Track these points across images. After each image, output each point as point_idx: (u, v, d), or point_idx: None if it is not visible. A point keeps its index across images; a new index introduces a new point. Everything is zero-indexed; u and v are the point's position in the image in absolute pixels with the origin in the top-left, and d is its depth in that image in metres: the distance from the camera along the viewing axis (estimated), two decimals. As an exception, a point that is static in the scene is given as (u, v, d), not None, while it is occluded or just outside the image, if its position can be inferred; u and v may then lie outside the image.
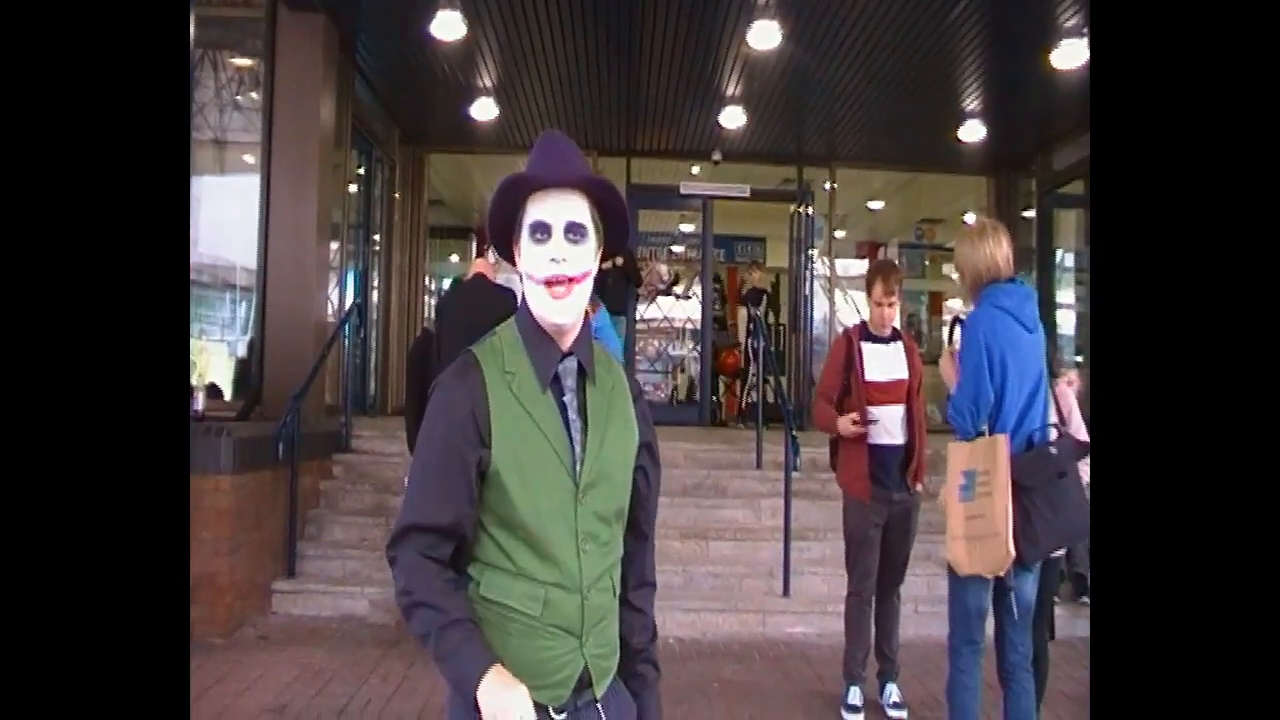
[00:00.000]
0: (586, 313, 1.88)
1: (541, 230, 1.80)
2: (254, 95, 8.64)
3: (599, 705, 1.87)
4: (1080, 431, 4.36)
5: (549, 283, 1.79)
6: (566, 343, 1.86)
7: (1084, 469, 4.16)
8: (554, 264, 1.79)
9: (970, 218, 13.29)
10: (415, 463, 1.83)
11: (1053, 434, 3.73)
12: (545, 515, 1.77)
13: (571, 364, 1.87)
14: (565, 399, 1.85)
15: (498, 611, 1.78)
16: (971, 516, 3.65)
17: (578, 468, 1.81)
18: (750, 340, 11.54)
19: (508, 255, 1.91)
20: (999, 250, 3.85)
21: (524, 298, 1.87)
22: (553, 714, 1.80)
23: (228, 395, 8.45)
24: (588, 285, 1.85)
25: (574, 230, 1.81)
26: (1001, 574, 3.63)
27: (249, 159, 8.53)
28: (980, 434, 3.72)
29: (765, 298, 12.70)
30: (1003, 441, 3.62)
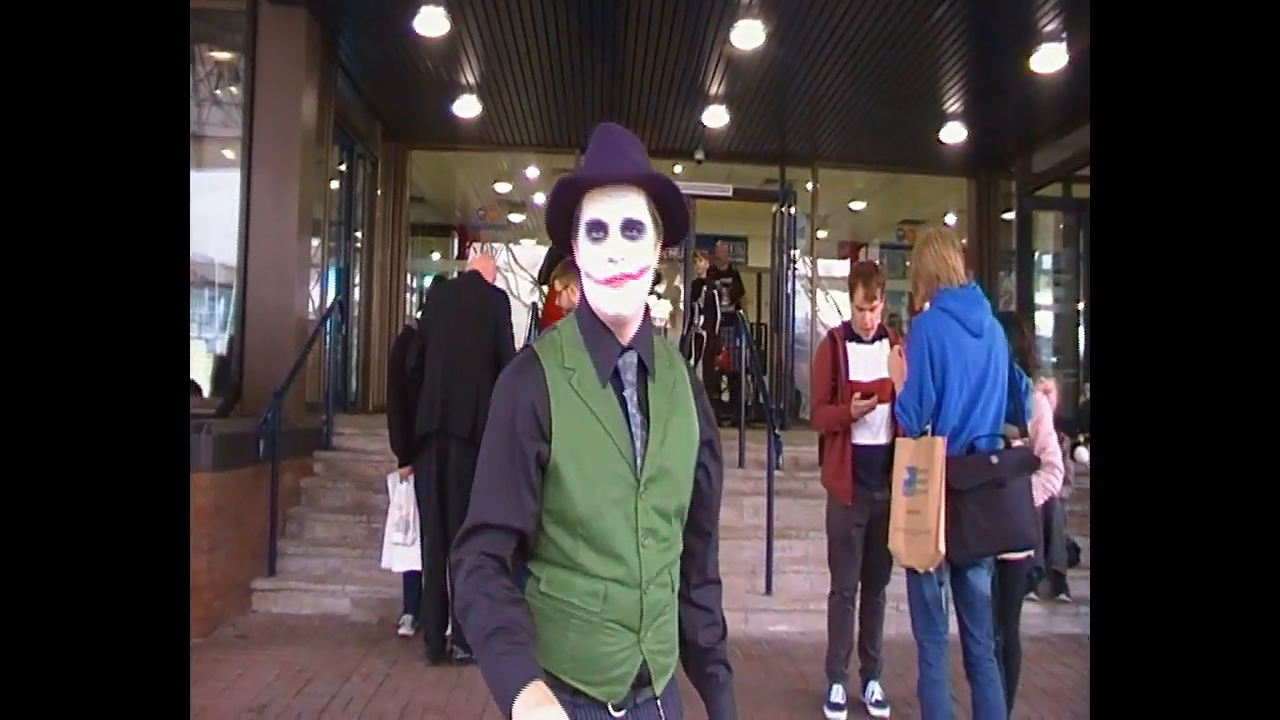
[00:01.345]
0: (648, 308, 1.87)
1: (598, 229, 1.78)
2: (233, 90, 8.57)
3: (658, 703, 1.85)
4: (1049, 440, 4.40)
5: (608, 282, 1.78)
6: (626, 337, 1.84)
7: (1049, 479, 4.23)
8: (611, 264, 1.77)
9: (951, 219, 13.38)
10: (481, 461, 1.81)
11: (999, 444, 3.81)
12: (605, 510, 1.76)
13: (632, 359, 1.85)
14: (626, 394, 1.83)
15: (557, 607, 1.77)
16: (911, 511, 3.85)
17: (639, 463, 1.79)
18: (696, 327, 11.27)
19: (568, 249, 1.89)
20: (949, 255, 3.97)
21: (584, 293, 1.85)
22: (612, 711, 1.79)
23: (206, 392, 8.39)
24: (647, 280, 1.83)
25: (631, 227, 1.78)
26: (932, 569, 3.80)
27: (229, 154, 8.47)
28: (924, 433, 3.86)
29: (723, 289, 11.63)
30: (939, 444, 3.78)
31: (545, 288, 11.10)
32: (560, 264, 6.99)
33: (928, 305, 4.03)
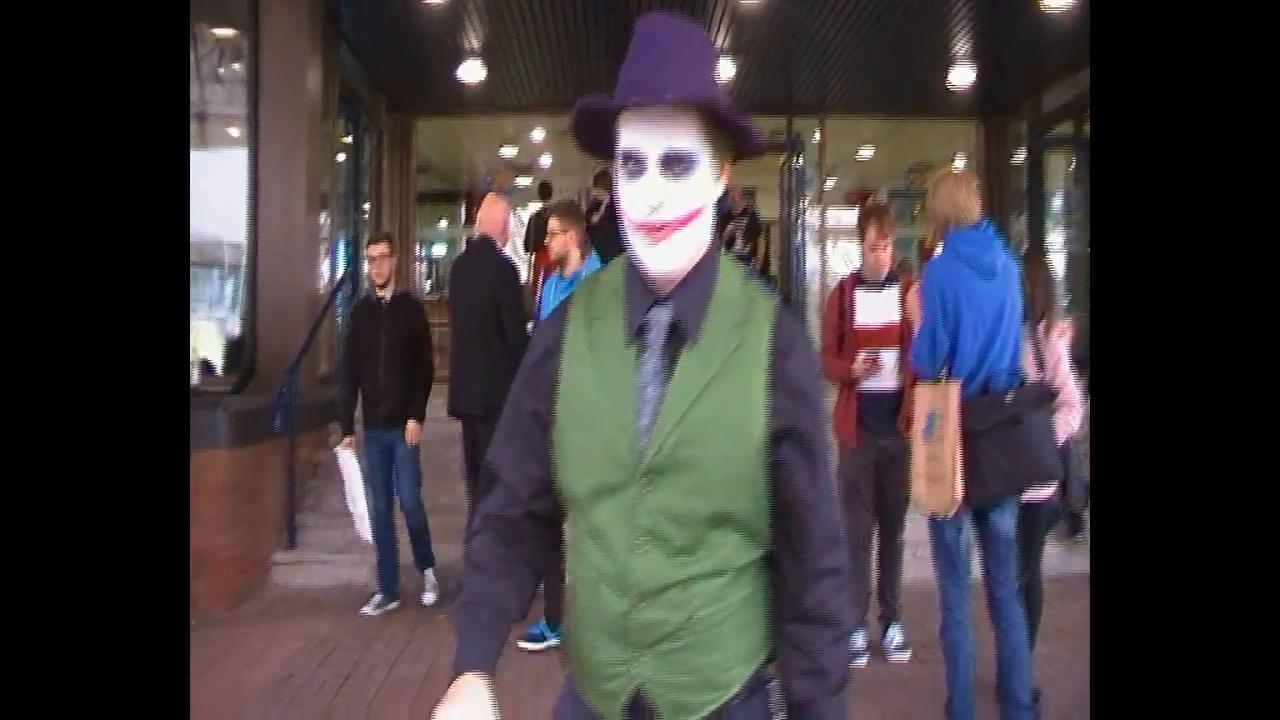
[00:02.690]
0: (711, 247, 1.53)
1: (633, 160, 1.42)
2: (236, 67, 8.55)
3: None
4: (1067, 380, 4.38)
5: (644, 228, 1.43)
6: (666, 287, 1.47)
7: (1068, 419, 4.20)
8: (650, 209, 1.41)
9: (960, 162, 13.24)
10: (505, 407, 1.60)
11: (1016, 382, 3.81)
12: (598, 493, 1.46)
13: (663, 315, 1.47)
14: (645, 356, 1.47)
15: (577, 574, 1.56)
16: (930, 457, 3.85)
17: (640, 443, 1.43)
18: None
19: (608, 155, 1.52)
20: (960, 196, 3.94)
21: None
22: None
23: (220, 370, 8.45)
24: (701, 227, 1.46)
25: (674, 161, 1.40)
26: (950, 514, 3.80)
27: (233, 132, 8.45)
28: (941, 378, 3.85)
29: (736, 232, 11.10)
30: (954, 388, 3.78)
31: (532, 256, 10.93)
32: (561, 205, 6.63)
33: (940, 247, 4.01)
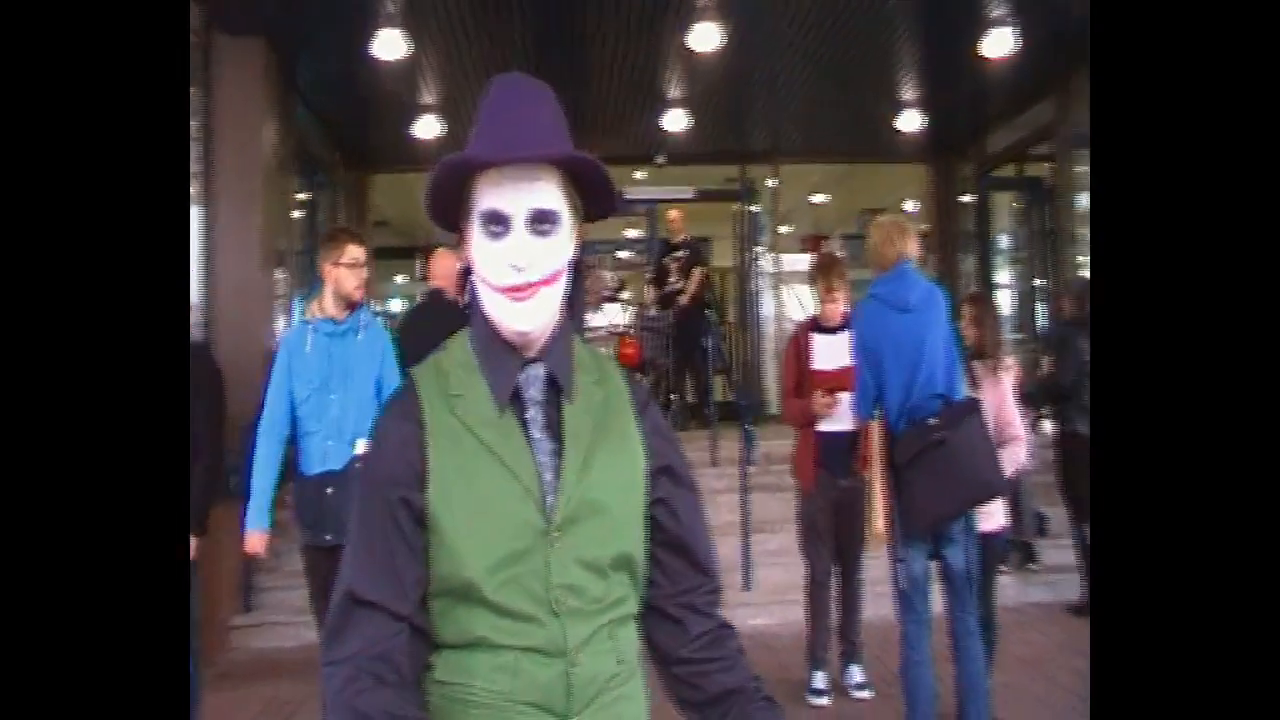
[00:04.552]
0: (590, 291, 1.53)
1: (497, 222, 1.38)
2: (191, 123, 8.57)
3: None
4: (1011, 414, 4.50)
5: (510, 291, 1.38)
6: (532, 347, 1.44)
7: (1016, 453, 4.30)
8: (515, 271, 1.37)
9: (910, 205, 13.48)
10: (352, 522, 1.43)
11: (938, 406, 3.90)
12: (503, 565, 1.36)
13: (538, 371, 1.44)
14: (529, 415, 1.43)
15: (455, 696, 1.38)
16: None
17: (548, 500, 1.38)
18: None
19: (456, 232, 1.48)
20: (882, 242, 4.11)
21: (477, 300, 1.46)
22: None
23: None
24: (561, 285, 1.43)
25: (542, 220, 1.38)
26: (875, 552, 4.08)
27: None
28: (875, 416, 4.03)
29: (671, 265, 10.38)
30: (874, 427, 3.99)
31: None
32: (327, 236, 4.74)
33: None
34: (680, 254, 10.36)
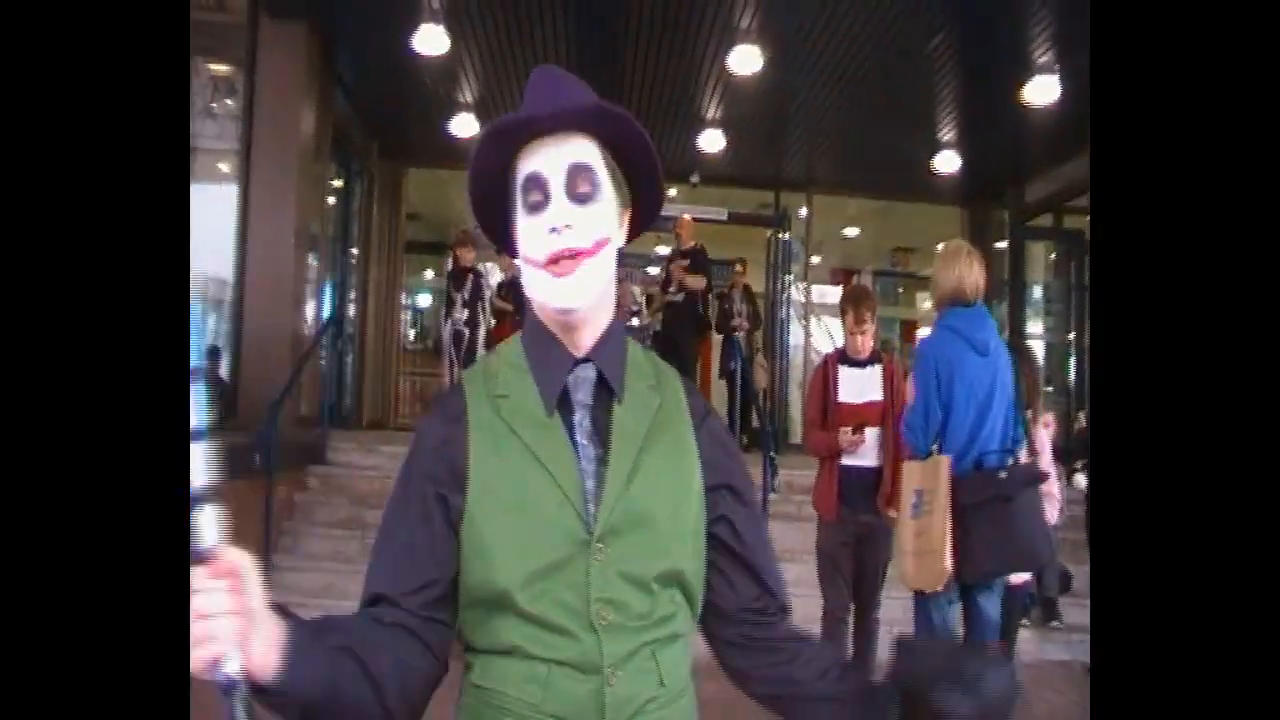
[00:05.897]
0: (619, 304, 1.45)
1: (536, 187, 1.31)
2: (229, 103, 8.60)
3: None
4: (1050, 471, 4.44)
5: (550, 263, 1.30)
6: (582, 344, 1.36)
7: (1049, 510, 4.22)
8: (554, 235, 1.29)
9: (941, 248, 13.47)
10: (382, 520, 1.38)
11: (1008, 460, 3.80)
12: (539, 575, 1.28)
13: (588, 372, 1.36)
14: (575, 418, 1.35)
15: (489, 700, 1.32)
16: (919, 533, 3.81)
17: (591, 509, 1.30)
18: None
19: (502, 241, 1.41)
20: (967, 274, 3.97)
21: (527, 296, 1.40)
22: None
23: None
24: (607, 260, 1.34)
25: (580, 179, 1.31)
26: (939, 589, 3.75)
27: (223, 167, 8.48)
28: (931, 453, 3.85)
29: (671, 273, 10.10)
30: (945, 462, 3.75)
31: None
32: None
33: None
34: (684, 260, 10.25)
